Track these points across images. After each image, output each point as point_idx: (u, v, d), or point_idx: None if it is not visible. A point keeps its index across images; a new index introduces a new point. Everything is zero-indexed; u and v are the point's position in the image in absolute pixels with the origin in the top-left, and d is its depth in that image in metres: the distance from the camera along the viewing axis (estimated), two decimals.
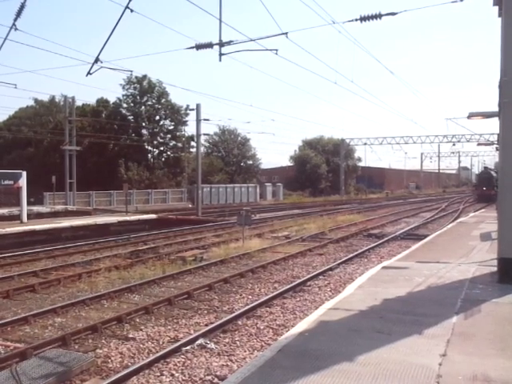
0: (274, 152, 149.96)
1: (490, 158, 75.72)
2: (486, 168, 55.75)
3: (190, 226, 26.08)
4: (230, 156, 65.21)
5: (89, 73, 12.48)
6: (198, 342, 7.44)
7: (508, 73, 8.45)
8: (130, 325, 8.65)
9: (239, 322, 8.62)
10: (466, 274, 9.31)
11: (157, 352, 7.16)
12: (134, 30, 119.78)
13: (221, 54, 12.87)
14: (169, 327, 8.50)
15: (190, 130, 65.60)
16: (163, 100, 53.19)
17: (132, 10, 10.85)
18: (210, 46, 13.09)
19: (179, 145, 54.75)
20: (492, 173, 50.56)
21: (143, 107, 52.66)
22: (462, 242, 14.80)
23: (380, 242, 19.14)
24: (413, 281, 8.77)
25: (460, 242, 14.85)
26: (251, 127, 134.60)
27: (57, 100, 53.63)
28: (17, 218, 24.18)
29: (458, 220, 23.07)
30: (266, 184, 62.33)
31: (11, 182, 23.31)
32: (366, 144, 66.61)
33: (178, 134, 54.80)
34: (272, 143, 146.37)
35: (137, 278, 12.52)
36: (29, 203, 27.07)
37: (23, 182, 23.62)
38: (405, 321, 6.25)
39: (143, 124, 52.41)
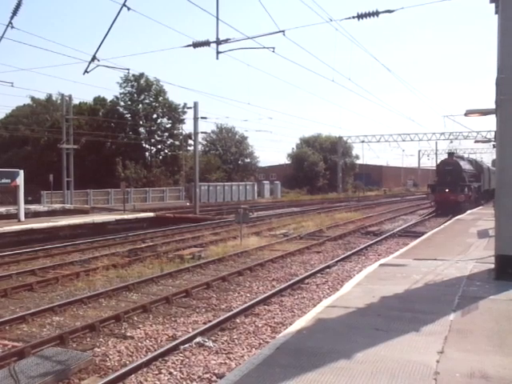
0: (272, 150, 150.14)
1: (487, 155, 75.55)
2: (451, 155, 33.13)
3: (187, 224, 26.06)
4: (228, 154, 65.20)
5: (86, 71, 12.48)
6: (196, 340, 7.44)
7: (505, 70, 8.46)
8: (128, 323, 8.65)
9: (237, 320, 8.62)
10: (464, 271, 9.33)
11: (155, 350, 7.16)
12: (131, 29, 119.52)
13: (218, 52, 12.85)
14: (167, 325, 8.50)
15: (187, 128, 65.56)
16: (160, 98, 53.10)
17: (129, 8, 10.84)
18: (207, 43, 13.07)
19: (177, 143, 54.69)
20: (462, 163, 32.01)
21: (140, 105, 52.57)
22: (460, 239, 14.82)
23: (378, 239, 19.18)
24: (410, 278, 8.78)
25: (457, 239, 14.88)
26: (249, 125, 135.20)
27: (54, 98, 53.64)
28: (14, 216, 24.12)
29: (456, 217, 23.09)
30: (264, 182, 62.37)
31: (8, 181, 23.24)
32: (363, 141, 66.73)
33: (175, 132, 54.73)
34: (269, 141, 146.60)
35: (135, 276, 12.51)
36: (26, 202, 27.01)
37: (20, 180, 23.56)
38: (402, 318, 6.26)
39: (140, 122, 52.32)
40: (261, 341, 7.53)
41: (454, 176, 30.13)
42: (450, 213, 26.97)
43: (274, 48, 13.55)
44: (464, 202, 29.11)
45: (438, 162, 37.36)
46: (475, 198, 32.52)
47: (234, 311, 9.06)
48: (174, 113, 53.77)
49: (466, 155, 48.93)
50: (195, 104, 34.36)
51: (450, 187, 29.62)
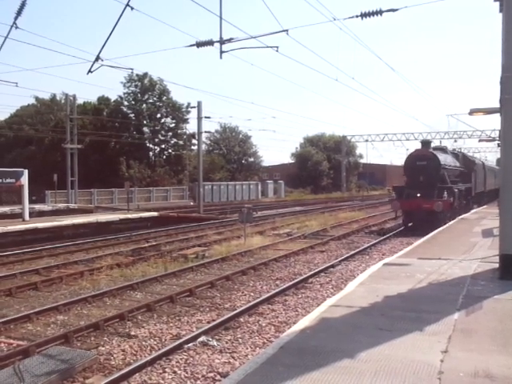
0: (276, 149, 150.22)
1: (491, 154, 75.18)
2: (425, 144, 23.45)
3: (191, 223, 26.09)
4: (232, 153, 65.27)
5: (90, 71, 12.47)
6: (200, 339, 7.45)
7: (509, 69, 8.43)
8: (132, 322, 8.66)
9: (241, 319, 8.62)
10: (468, 271, 9.31)
11: (159, 349, 7.17)
12: (134, 28, 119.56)
13: (221, 52, 12.85)
14: (171, 324, 8.51)
15: (191, 127, 65.67)
16: (164, 98, 53.26)
17: (132, 8, 10.85)
18: (210, 43, 13.08)
19: (180, 142, 54.80)
20: (442, 157, 22.69)
21: (144, 105, 52.73)
22: (464, 238, 14.78)
23: (381, 238, 19.14)
24: (414, 277, 8.77)
25: (462, 238, 14.84)
26: (252, 124, 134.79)
27: (58, 98, 53.76)
28: (19, 216, 24.18)
29: (460, 216, 23.00)
30: (268, 181, 62.37)
31: (13, 181, 23.31)
32: (367, 141, 66.55)
33: (179, 131, 54.88)
34: (273, 140, 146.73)
35: (139, 275, 12.54)
36: (30, 201, 27.06)
37: (25, 180, 23.63)
38: (406, 317, 6.25)
39: (144, 122, 52.46)
40: (265, 340, 7.53)
41: (430, 175, 21.20)
42: (423, 228, 18.69)
43: (277, 47, 13.55)
44: (443, 211, 20.78)
45: (409, 154, 23.80)
46: (462, 205, 24.51)
47: (238, 310, 9.06)
48: (178, 112, 53.89)
49: (470, 154, 41.78)
50: (199, 103, 34.38)
51: (424, 191, 20.91)
